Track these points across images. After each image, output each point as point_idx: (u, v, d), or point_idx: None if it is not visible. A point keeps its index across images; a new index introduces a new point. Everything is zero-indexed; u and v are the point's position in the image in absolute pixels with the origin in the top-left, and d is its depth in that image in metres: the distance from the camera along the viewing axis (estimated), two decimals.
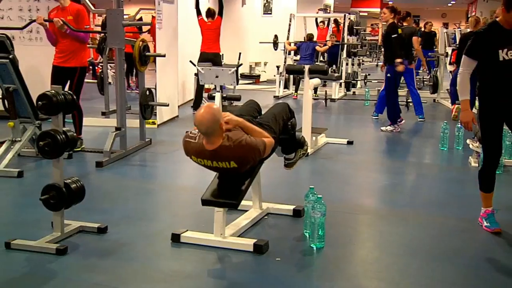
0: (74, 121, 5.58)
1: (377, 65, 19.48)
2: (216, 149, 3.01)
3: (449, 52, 9.54)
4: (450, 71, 9.57)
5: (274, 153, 3.61)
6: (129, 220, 3.70)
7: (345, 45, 10.97)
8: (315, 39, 11.36)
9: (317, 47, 10.55)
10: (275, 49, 11.60)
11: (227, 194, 3.21)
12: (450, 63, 9.47)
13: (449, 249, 3.31)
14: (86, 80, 5.70)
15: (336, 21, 13.33)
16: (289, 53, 11.39)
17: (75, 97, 3.33)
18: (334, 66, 11.11)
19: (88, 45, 9.77)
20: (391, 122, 7.16)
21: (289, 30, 11.37)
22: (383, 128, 7.18)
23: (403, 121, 7.30)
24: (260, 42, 11.87)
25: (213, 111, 2.99)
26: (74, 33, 5.31)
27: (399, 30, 6.99)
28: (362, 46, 13.67)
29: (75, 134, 3.31)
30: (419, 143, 6.76)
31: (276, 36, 11.58)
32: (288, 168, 3.83)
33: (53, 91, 3.17)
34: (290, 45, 11.06)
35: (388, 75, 7.11)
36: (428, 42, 12.31)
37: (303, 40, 11.02)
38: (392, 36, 6.96)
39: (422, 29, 13.69)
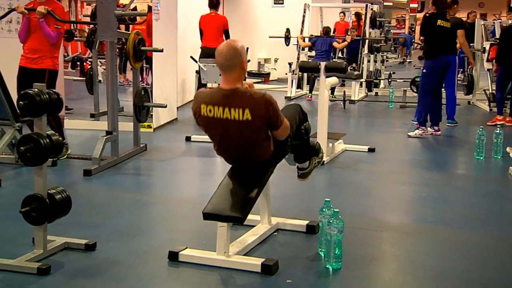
0: (51, 128, 5.56)
1: (402, 62, 19.48)
2: (233, 89, 3.10)
3: (487, 48, 9.50)
4: (488, 69, 9.52)
5: (285, 161, 3.62)
6: (121, 236, 3.70)
7: (367, 40, 10.96)
8: (333, 35, 11.34)
9: (335, 43, 10.52)
10: (287, 45, 11.61)
11: (231, 207, 3.21)
12: (488, 60, 9.42)
13: (486, 273, 3.28)
14: (73, 77, 5.74)
15: (357, 14, 13.32)
16: (303, 49, 11.40)
17: (61, 96, 3.35)
18: (354, 63, 11.10)
19: (75, 38, 9.87)
20: (419, 124, 7.14)
21: (303, 23, 11.37)
22: (410, 133, 7.16)
23: (439, 132, 7.27)
24: (270, 37, 11.89)
25: (237, 44, 3.12)
26: (48, 30, 5.30)
27: (439, 21, 6.96)
28: (386, 40, 13.60)
29: (60, 138, 3.31)
30: (451, 151, 6.73)
31: (288, 30, 11.59)
32: (302, 179, 3.83)
33: (36, 90, 3.18)
34: (304, 40, 11.05)
35: (424, 70, 7.12)
36: (468, 35, 12.20)
37: (318, 35, 11.01)
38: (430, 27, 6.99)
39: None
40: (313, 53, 11.10)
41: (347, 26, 13.18)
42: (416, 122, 7.62)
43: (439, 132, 7.25)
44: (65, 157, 5.58)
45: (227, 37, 8.68)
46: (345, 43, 10.82)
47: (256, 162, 3.30)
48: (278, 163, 3.48)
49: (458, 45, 7.82)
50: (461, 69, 11.19)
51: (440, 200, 4.89)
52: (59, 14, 5.33)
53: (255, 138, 3.19)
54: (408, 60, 20.81)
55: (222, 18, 8.57)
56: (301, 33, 11.31)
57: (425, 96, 7.15)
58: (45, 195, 3.19)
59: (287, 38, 11.57)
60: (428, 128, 7.22)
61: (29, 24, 5.34)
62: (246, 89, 3.13)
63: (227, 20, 8.63)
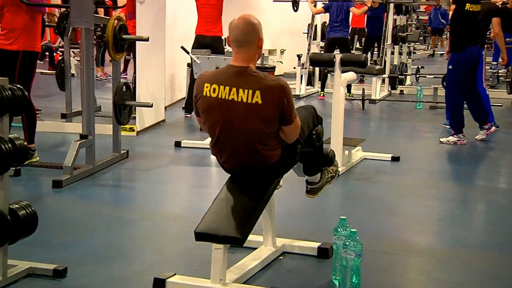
0: (23, 126, 5.61)
1: (432, 55, 19.46)
2: (246, 67, 3.19)
3: None
4: None
5: (293, 172, 3.61)
6: (97, 259, 3.70)
7: (392, 4, 10.83)
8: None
9: (352, 8, 10.33)
10: (295, 10, 11.42)
11: (229, 226, 3.20)
12: None
13: None
14: (41, 70, 5.75)
15: None
16: (315, 38, 11.39)
17: (26, 93, 3.35)
18: (375, 43, 11.00)
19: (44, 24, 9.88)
20: (455, 130, 7.14)
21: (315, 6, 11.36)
22: (443, 140, 7.16)
23: (493, 128, 7.31)
24: (274, 1, 11.77)
25: (254, 20, 3.25)
26: (36, 7, 5.39)
27: (467, 5, 6.93)
28: (415, 22, 13.50)
29: (25, 142, 3.31)
30: (491, 161, 6.72)
31: None
32: (311, 196, 3.82)
33: None
34: (315, 6, 10.90)
35: (450, 66, 7.10)
36: (508, 23, 12.18)
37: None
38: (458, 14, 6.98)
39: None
40: (328, 45, 11.05)
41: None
42: (449, 127, 7.61)
43: (493, 129, 7.31)
44: (34, 159, 5.59)
45: None
46: (364, 8, 10.66)
47: (259, 168, 3.28)
48: (284, 174, 3.47)
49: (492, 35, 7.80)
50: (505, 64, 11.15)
51: (478, 219, 4.88)
52: None
53: (262, 131, 3.18)
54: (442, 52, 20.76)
55: None
56: None
57: (454, 98, 7.13)
58: (6, 210, 3.18)
59: (295, 2, 11.43)
60: (480, 132, 7.25)
61: None
62: (260, 72, 3.23)
63: None
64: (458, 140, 7.08)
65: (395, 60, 11.57)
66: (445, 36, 21.22)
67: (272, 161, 3.26)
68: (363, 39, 12.50)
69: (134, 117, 7.05)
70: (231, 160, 3.33)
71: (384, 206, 4.94)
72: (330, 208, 4.87)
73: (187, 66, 8.63)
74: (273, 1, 11.83)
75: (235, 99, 3.14)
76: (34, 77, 5.67)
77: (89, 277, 3.43)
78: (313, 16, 11.27)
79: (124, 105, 5.98)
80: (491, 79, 11.17)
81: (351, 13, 10.50)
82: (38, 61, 5.83)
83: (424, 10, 20.56)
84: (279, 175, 3.41)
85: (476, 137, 7.27)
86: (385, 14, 10.90)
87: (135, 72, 7.71)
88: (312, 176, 3.76)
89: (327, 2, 10.65)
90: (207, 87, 3.20)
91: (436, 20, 18.25)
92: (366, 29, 12.15)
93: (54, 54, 11.55)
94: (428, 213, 4.89)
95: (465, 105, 7.27)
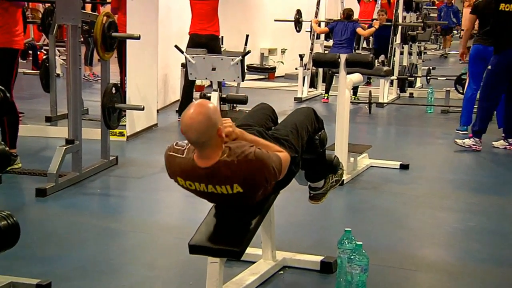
0: (3, 130, 5.61)
1: (444, 55, 19.49)
2: (213, 166, 3.00)
3: None
4: None
5: (294, 180, 3.61)
6: (84, 273, 3.70)
7: (400, 27, 10.96)
8: (355, 17, 11.33)
9: (359, 30, 10.54)
10: (298, 31, 11.64)
11: (225, 238, 3.21)
12: None
13: None
14: (23, 70, 5.75)
15: None
16: (318, 37, 11.42)
17: (8, 94, 3.36)
18: (382, 56, 11.13)
19: (27, 20, 9.89)
20: (474, 134, 7.13)
21: (318, 4, 11.41)
22: (458, 141, 7.15)
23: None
24: (276, 20, 11.91)
25: (207, 110, 2.97)
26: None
27: (502, 5, 6.93)
28: (425, 27, 13.63)
29: (6, 148, 3.32)
30: (508, 170, 6.71)
31: (298, 12, 11.62)
32: (315, 202, 3.84)
33: None
34: (319, 25, 11.08)
35: (489, 67, 7.10)
36: None
37: (338, 19, 11.04)
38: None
39: None
40: (330, 42, 11.10)
41: (373, 5, 13.15)
42: (462, 132, 7.62)
43: None
44: (17, 166, 5.59)
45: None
46: (372, 29, 10.80)
47: None
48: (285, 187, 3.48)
49: None
50: None
51: (493, 232, 4.88)
52: None
53: (252, 203, 3.21)
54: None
55: None
56: (316, 16, 11.31)
57: (486, 100, 7.14)
58: None
59: (297, 23, 11.57)
60: (501, 141, 7.27)
61: None
62: (229, 154, 2.99)
63: None
64: (474, 144, 7.09)
65: (404, 61, 11.58)
66: (458, 35, 21.24)
67: (268, 192, 3.26)
68: (370, 37, 12.52)
69: (125, 122, 7.06)
70: None
71: (392, 218, 4.95)
72: (334, 219, 4.87)
73: (181, 66, 8.65)
74: (275, 20, 11.92)
75: (215, 192, 3.07)
76: (15, 76, 5.68)
77: None
78: (316, 14, 11.31)
79: (114, 108, 5.98)
80: None
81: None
82: (21, 60, 5.84)
83: (435, 7, 20.56)
84: (279, 189, 3.40)
85: (494, 143, 7.29)
86: (392, 35, 10.91)
87: (125, 73, 7.71)
88: (315, 183, 3.78)
89: (331, 21, 10.77)
90: (181, 180, 3.13)
91: (447, 18, 18.24)
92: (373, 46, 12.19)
93: (38, 52, 11.54)
94: (439, 226, 4.90)
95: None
